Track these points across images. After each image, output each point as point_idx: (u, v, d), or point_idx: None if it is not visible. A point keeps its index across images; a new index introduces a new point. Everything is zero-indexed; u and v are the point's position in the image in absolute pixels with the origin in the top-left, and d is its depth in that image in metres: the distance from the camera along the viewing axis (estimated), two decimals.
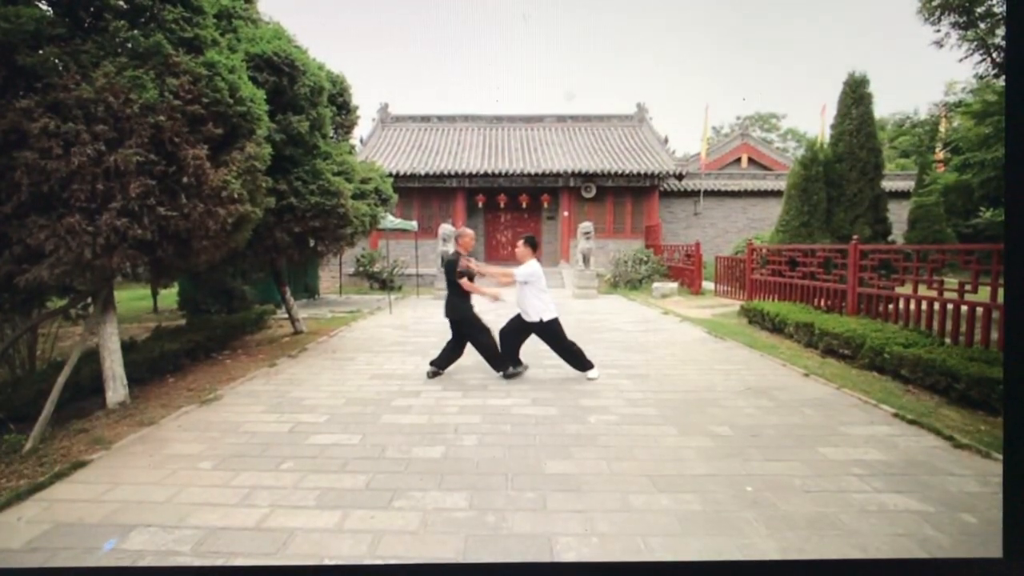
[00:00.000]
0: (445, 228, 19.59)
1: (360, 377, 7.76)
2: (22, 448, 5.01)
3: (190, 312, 12.41)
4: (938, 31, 12.68)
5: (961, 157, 11.60)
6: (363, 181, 11.61)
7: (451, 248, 19.14)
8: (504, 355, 7.68)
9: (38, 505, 4.01)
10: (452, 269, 7.60)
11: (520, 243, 7.72)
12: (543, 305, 7.42)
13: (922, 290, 8.51)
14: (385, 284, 21.10)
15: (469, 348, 7.84)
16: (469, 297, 7.70)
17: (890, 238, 15.35)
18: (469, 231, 8.02)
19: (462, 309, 7.65)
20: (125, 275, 6.40)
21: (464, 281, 7.56)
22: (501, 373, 7.66)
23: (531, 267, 7.47)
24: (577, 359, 7.58)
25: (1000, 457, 4.70)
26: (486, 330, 7.68)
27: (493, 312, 7.82)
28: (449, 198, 25.83)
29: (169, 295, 15.45)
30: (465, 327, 7.71)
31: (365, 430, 5.60)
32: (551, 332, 7.51)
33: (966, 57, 12.49)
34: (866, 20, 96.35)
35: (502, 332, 7.71)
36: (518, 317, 7.64)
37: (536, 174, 24.76)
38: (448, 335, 7.92)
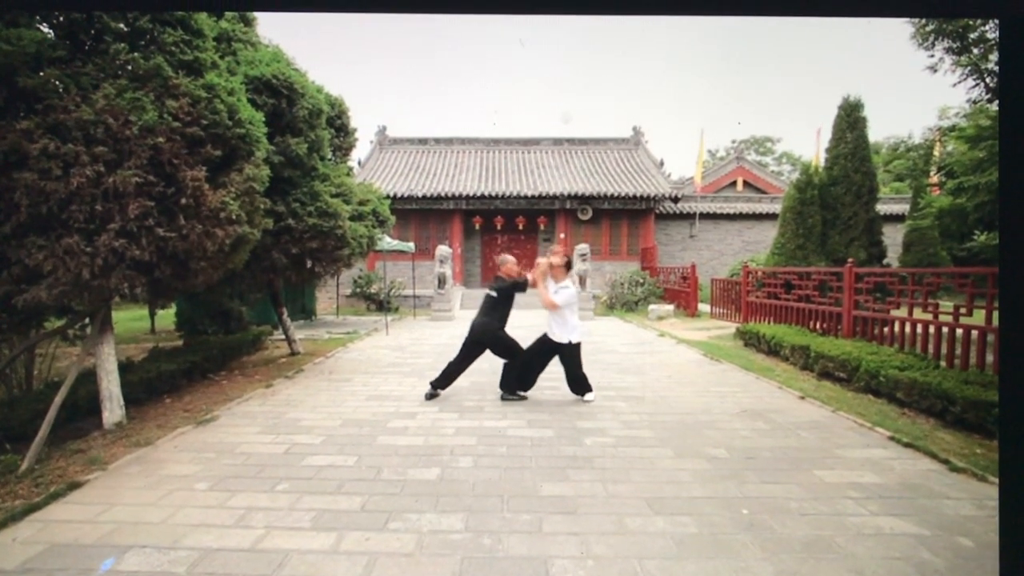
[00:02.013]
0: (442, 250, 19.65)
1: (356, 398, 7.75)
2: (18, 468, 4.99)
3: (187, 333, 12.37)
4: (932, 56, 12.79)
5: (955, 181, 11.67)
6: (361, 203, 11.67)
7: (448, 270, 19.33)
8: (520, 375, 7.69)
9: (33, 526, 4.00)
10: (506, 294, 7.66)
11: (556, 259, 7.70)
12: (572, 326, 7.44)
13: (917, 313, 8.53)
14: (382, 305, 21.11)
15: (468, 370, 7.86)
16: (503, 321, 7.73)
17: (885, 261, 15.40)
18: (510, 257, 8.02)
19: (496, 332, 7.66)
20: (123, 296, 6.39)
21: (536, 281, 7.63)
22: (503, 393, 7.67)
23: (571, 291, 7.47)
24: (581, 386, 7.60)
25: (996, 480, 4.71)
26: (521, 350, 7.68)
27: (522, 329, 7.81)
28: (446, 220, 25.91)
29: (166, 316, 15.46)
30: (498, 348, 7.71)
31: (361, 451, 5.59)
32: (572, 355, 7.52)
33: (960, 82, 12.59)
34: (861, 45, 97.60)
35: (528, 351, 7.71)
36: (544, 337, 7.64)
37: (533, 196, 24.87)
38: (445, 358, 7.90)
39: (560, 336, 7.44)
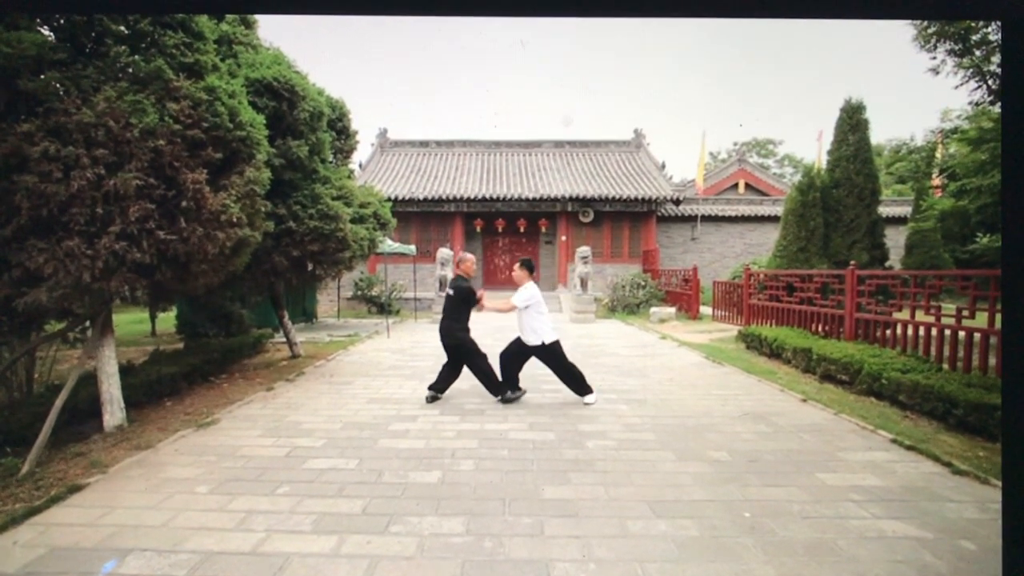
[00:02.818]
0: (443, 252, 19.64)
1: (357, 401, 7.74)
2: (19, 471, 4.99)
3: (188, 336, 12.38)
4: (934, 58, 12.82)
5: (958, 183, 11.70)
6: (362, 205, 11.65)
7: (449, 273, 19.30)
8: (503, 379, 7.68)
9: (34, 529, 3.99)
10: (462, 295, 7.65)
11: (516, 266, 7.77)
12: (543, 327, 7.44)
13: (920, 316, 8.52)
14: (383, 308, 21.08)
15: (466, 372, 7.85)
16: (465, 321, 7.73)
17: (887, 263, 15.37)
18: (470, 256, 8.03)
19: (457, 334, 7.66)
20: (123, 298, 6.40)
21: (482, 302, 7.66)
22: (499, 398, 7.64)
23: (528, 291, 7.50)
24: (577, 382, 7.59)
25: (999, 483, 4.69)
26: (482, 355, 7.70)
27: (491, 337, 7.81)
28: (447, 222, 25.91)
29: (167, 319, 15.45)
30: (461, 352, 7.72)
31: (362, 454, 5.58)
32: (552, 354, 7.52)
33: (962, 84, 12.61)
34: (863, 47, 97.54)
35: (502, 355, 7.72)
36: (518, 340, 7.65)
37: (534, 199, 24.86)
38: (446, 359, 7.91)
39: (530, 339, 7.48)
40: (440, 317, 7.87)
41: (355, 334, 15.56)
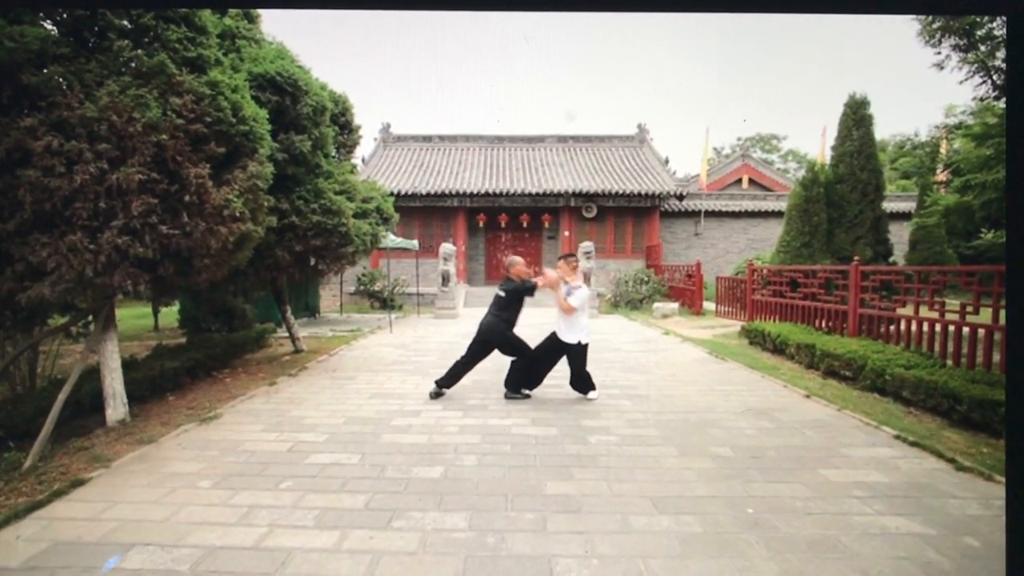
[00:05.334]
0: (446, 247, 19.64)
1: (360, 396, 7.74)
2: (21, 466, 5.00)
3: (191, 330, 12.38)
4: (938, 53, 12.71)
5: (962, 179, 11.60)
6: (364, 200, 11.64)
7: (452, 268, 19.30)
8: (529, 374, 7.70)
9: (37, 523, 4.00)
10: (514, 296, 7.64)
11: (561, 262, 7.73)
12: (581, 327, 7.43)
13: (923, 311, 8.49)
14: (386, 303, 21.08)
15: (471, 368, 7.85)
16: (511, 320, 7.72)
17: (891, 259, 15.34)
18: (519, 259, 7.98)
19: (502, 331, 7.65)
20: (126, 293, 6.40)
21: (540, 279, 7.64)
22: (507, 391, 7.65)
23: (584, 294, 7.49)
24: (585, 384, 7.58)
25: (1003, 480, 4.68)
26: (529, 349, 7.68)
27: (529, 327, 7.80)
28: (450, 217, 25.90)
29: (170, 313, 15.47)
30: (506, 348, 7.70)
31: (365, 449, 5.58)
32: (579, 355, 7.50)
33: (966, 79, 12.50)
34: (867, 43, 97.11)
35: (537, 349, 7.70)
36: (553, 336, 7.63)
37: (537, 194, 24.83)
38: (449, 356, 7.88)
39: (568, 337, 7.41)
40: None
41: (357, 329, 15.58)
